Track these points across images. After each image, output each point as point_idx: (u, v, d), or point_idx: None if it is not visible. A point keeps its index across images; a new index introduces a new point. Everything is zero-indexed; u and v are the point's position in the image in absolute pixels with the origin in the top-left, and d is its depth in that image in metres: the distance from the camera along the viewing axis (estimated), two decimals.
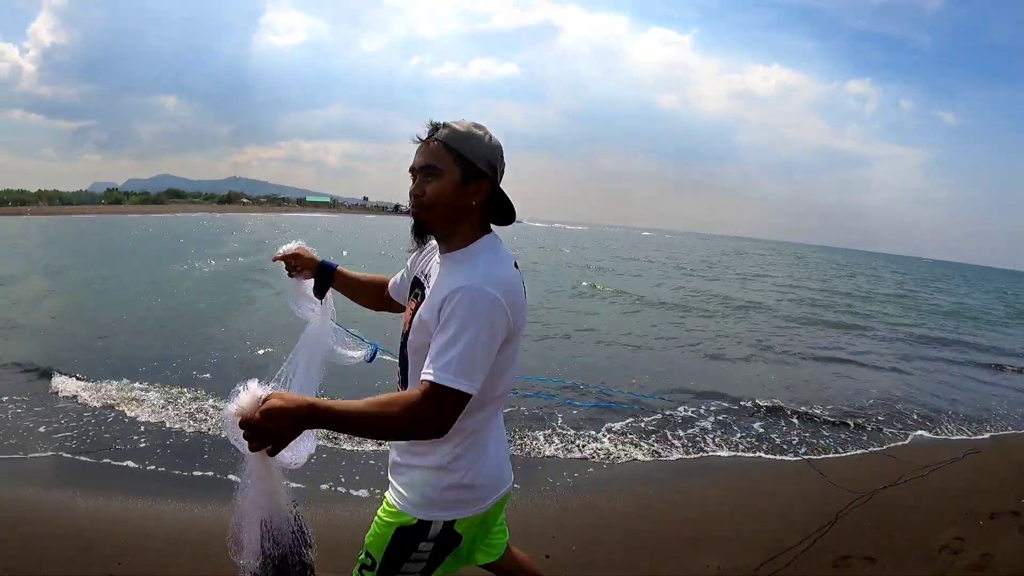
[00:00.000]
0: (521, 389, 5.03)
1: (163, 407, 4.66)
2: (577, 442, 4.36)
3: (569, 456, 4.15)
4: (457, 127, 1.28)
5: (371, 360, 1.68)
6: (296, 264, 1.64)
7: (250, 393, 1.09)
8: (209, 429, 4.29)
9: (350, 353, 1.67)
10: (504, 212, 1.36)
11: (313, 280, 1.65)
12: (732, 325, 11.28)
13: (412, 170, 1.30)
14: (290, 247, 1.65)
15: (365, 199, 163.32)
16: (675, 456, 4.32)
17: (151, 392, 4.99)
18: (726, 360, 7.99)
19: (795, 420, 5.27)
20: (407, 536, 1.32)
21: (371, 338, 1.73)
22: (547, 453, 4.17)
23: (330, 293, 1.66)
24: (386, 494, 1.40)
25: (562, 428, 4.61)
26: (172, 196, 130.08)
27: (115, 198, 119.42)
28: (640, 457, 4.24)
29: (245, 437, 1.06)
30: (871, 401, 6.15)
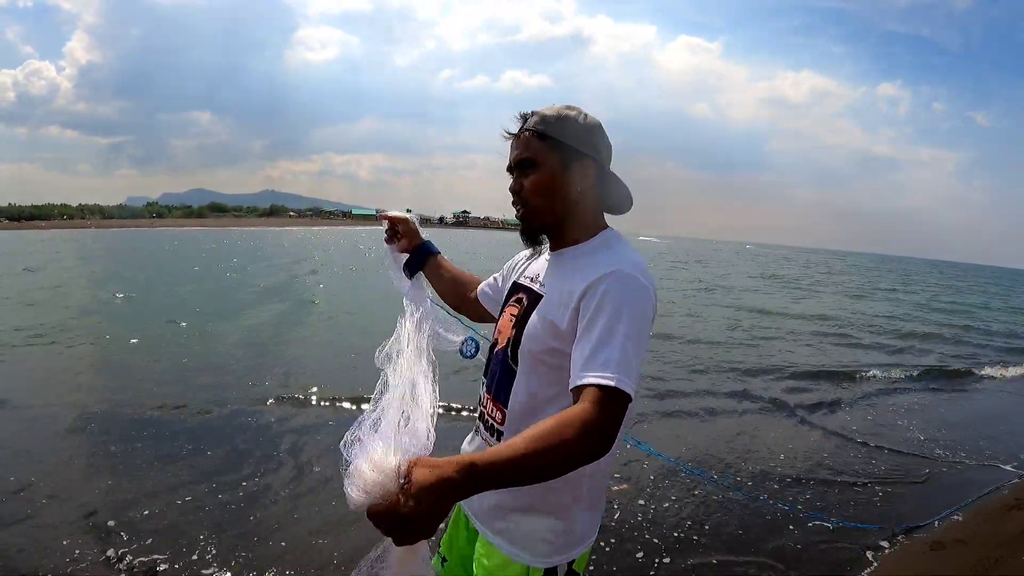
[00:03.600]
0: None
1: None
2: None
3: None
4: (546, 112, 1.19)
5: (473, 355, 1.40)
6: (399, 232, 1.56)
7: (378, 467, 0.76)
8: None
9: (450, 336, 1.43)
10: (617, 198, 1.23)
11: (408, 255, 1.54)
12: None
13: (509, 168, 1.23)
14: (397, 213, 1.57)
15: (408, 211, 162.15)
16: None
17: None
18: None
19: None
20: None
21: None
22: None
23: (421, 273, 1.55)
24: (490, 546, 1.19)
25: None
26: (214, 210, 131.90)
27: (156, 212, 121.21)
28: None
29: (384, 531, 0.76)
30: None
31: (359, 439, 0.84)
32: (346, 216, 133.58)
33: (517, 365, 1.16)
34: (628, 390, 0.93)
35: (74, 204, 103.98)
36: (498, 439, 1.18)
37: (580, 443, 0.87)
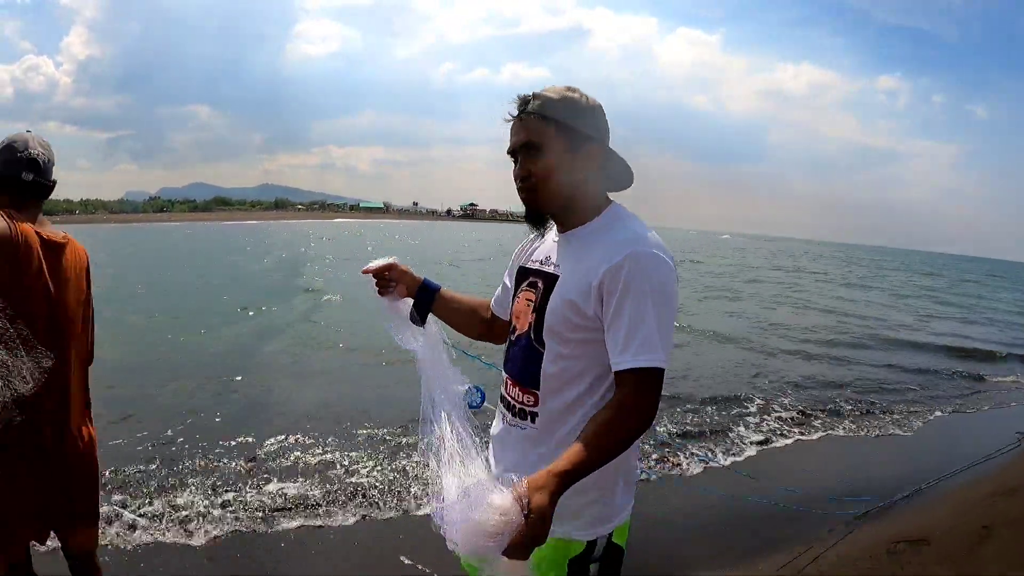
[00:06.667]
0: None
1: None
2: None
3: None
4: (550, 94, 1.15)
5: (479, 405, 1.28)
6: (391, 279, 1.38)
7: (504, 511, 0.85)
8: None
9: (455, 386, 1.29)
10: (620, 175, 1.22)
11: (412, 300, 1.40)
12: None
13: (511, 152, 1.18)
14: (381, 261, 1.39)
15: (415, 204, 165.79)
16: None
17: None
18: None
19: None
20: (578, 567, 1.17)
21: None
22: None
23: (431, 316, 1.40)
24: None
25: None
26: (219, 204, 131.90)
27: (159, 206, 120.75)
28: None
29: (520, 557, 0.88)
30: None
31: (450, 503, 0.93)
32: (353, 209, 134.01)
33: (544, 347, 1.17)
34: (663, 365, 1.04)
35: (76, 200, 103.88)
36: (532, 420, 1.19)
37: (640, 426, 1.03)
